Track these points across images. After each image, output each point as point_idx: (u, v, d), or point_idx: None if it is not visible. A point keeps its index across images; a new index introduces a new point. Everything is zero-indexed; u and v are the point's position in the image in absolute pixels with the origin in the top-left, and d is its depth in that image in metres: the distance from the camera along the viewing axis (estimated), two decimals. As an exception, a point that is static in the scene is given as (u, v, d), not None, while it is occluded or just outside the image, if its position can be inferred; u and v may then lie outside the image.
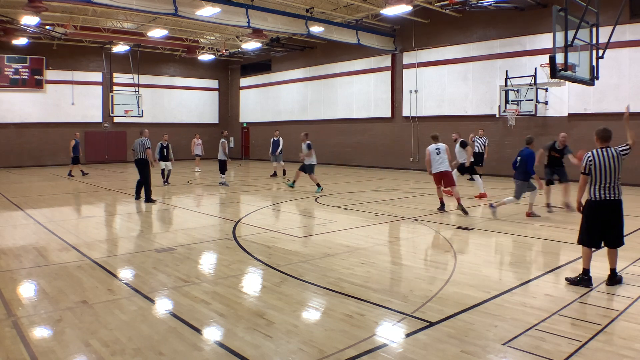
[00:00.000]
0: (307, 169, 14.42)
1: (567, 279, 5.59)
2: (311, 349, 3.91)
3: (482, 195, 12.83)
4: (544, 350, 3.84)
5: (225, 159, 16.16)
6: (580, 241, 5.59)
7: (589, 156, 5.42)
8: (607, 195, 5.36)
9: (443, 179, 10.55)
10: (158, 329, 4.33)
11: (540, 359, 3.71)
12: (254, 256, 6.97)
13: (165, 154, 16.71)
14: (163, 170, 16.59)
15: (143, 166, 12.34)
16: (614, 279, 5.49)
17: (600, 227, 5.42)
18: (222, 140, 16.10)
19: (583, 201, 5.59)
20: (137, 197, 12.74)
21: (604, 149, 5.42)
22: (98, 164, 26.97)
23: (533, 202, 10.04)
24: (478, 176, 13.37)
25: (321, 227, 9.09)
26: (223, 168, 16.10)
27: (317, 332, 4.29)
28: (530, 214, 9.97)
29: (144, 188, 12.50)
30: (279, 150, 19.15)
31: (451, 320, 4.49)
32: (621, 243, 5.47)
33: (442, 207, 10.81)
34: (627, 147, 5.57)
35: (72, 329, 4.32)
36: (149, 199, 12.33)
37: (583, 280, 5.44)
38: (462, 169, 13.10)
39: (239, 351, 3.87)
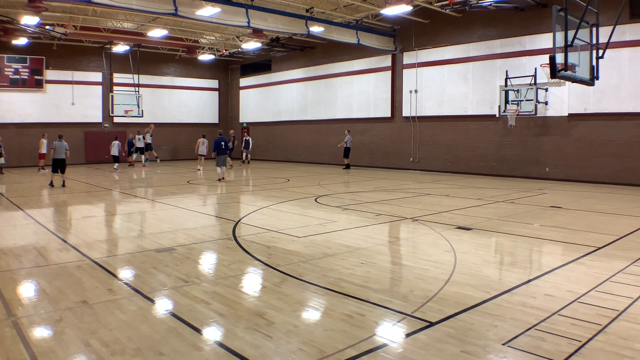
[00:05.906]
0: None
1: (49, 183, 15.84)
2: (311, 349, 3.91)
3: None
4: (544, 350, 3.84)
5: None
6: (52, 171, 15.60)
7: (55, 142, 15.39)
8: (60, 156, 15.33)
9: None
10: (158, 329, 4.33)
11: (540, 359, 3.71)
12: (254, 256, 6.97)
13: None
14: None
15: None
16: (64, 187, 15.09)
17: (58, 166, 15.45)
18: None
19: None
20: None
21: (60, 141, 15.57)
22: (98, 164, 26.99)
23: (223, 172, 17.64)
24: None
25: (321, 227, 9.08)
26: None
27: (317, 332, 4.29)
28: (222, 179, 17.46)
29: None
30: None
31: (451, 320, 4.49)
32: (64, 172, 15.72)
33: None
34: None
35: (72, 329, 4.32)
36: None
37: (51, 185, 15.69)
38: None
39: (239, 351, 3.88)
